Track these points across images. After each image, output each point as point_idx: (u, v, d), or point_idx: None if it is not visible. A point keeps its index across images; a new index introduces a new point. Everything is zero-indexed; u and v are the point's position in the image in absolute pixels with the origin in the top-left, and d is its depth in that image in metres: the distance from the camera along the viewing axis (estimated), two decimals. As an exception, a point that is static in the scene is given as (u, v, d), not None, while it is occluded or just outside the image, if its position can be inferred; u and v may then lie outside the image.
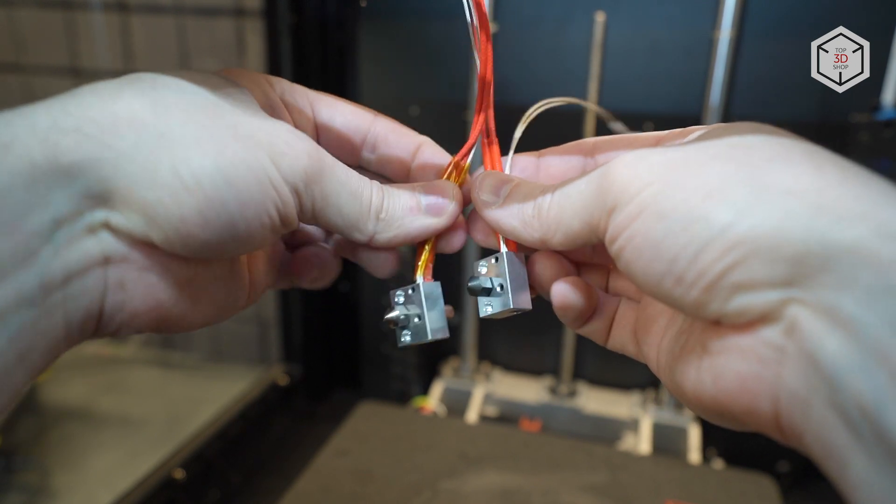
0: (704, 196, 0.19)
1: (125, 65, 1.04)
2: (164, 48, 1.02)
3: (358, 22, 0.86)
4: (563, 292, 0.26)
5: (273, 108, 0.26)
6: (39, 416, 0.96)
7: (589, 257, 0.28)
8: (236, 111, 0.23)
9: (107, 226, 0.21)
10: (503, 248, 0.27)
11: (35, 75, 1.09)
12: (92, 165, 0.20)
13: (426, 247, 0.28)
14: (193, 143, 0.21)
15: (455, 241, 0.28)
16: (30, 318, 0.19)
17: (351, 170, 0.25)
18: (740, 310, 0.18)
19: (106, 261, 0.21)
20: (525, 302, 0.27)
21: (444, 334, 0.28)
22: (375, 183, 0.26)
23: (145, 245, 0.22)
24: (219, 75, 0.25)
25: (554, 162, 0.28)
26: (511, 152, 0.29)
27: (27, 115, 0.19)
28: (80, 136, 0.20)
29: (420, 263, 0.28)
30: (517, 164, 0.28)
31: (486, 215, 0.26)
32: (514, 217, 0.25)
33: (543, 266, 0.27)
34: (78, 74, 1.07)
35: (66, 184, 0.19)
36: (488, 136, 0.28)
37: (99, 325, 0.22)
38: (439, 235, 0.28)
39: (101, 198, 0.20)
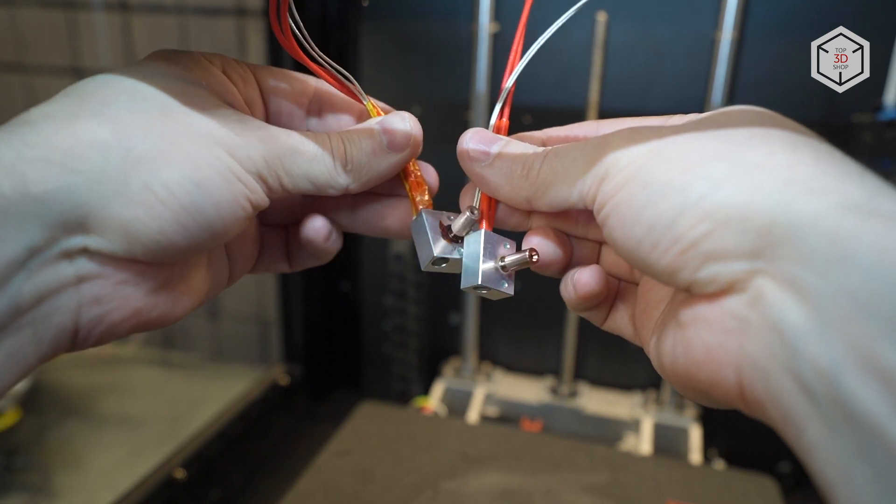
0: (685, 168, 0.20)
1: (126, 65, 1.04)
2: (165, 48, 1.02)
3: (359, 22, 0.86)
4: (587, 281, 0.26)
5: (220, 86, 0.26)
6: (40, 416, 0.96)
7: (583, 232, 0.28)
8: (187, 110, 0.23)
9: (85, 251, 0.21)
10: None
11: (37, 75, 1.09)
12: (63, 192, 0.20)
13: (406, 183, 0.28)
14: (158, 155, 0.21)
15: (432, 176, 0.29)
16: None
17: (306, 134, 0.26)
18: (709, 279, 0.19)
19: (79, 280, 0.21)
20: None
21: (429, 258, 0.27)
22: (333, 135, 0.26)
23: (120, 260, 0.22)
24: (160, 63, 0.25)
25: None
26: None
27: None
28: (45, 164, 0.20)
29: (410, 199, 0.28)
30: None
31: (473, 171, 0.27)
32: (501, 175, 0.26)
33: (544, 244, 0.27)
34: (79, 74, 1.07)
35: (38, 213, 0.19)
36: (501, 117, 0.29)
37: (76, 339, 0.22)
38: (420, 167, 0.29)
39: (77, 223, 0.20)
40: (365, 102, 0.29)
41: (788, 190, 0.18)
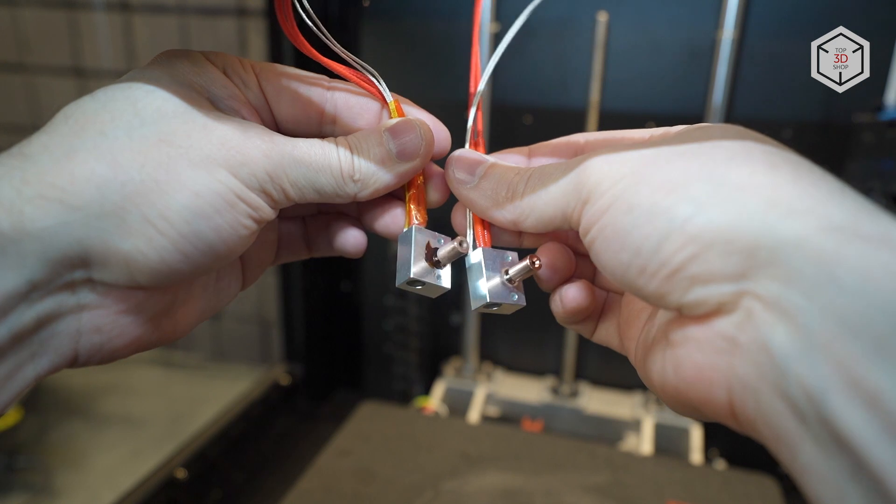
0: (669, 191, 0.20)
1: (128, 65, 1.04)
2: (166, 48, 1.02)
3: (360, 22, 0.86)
4: (574, 296, 0.26)
5: (223, 89, 0.25)
6: (42, 416, 0.97)
7: (573, 245, 0.28)
8: (187, 130, 0.22)
9: (88, 282, 0.21)
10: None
11: (38, 75, 1.09)
12: (62, 229, 0.20)
13: (407, 193, 0.28)
14: (155, 187, 0.21)
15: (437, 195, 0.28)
16: None
17: (312, 142, 0.25)
18: (697, 301, 0.19)
19: (81, 308, 0.21)
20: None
21: (404, 279, 0.26)
22: (341, 143, 0.26)
23: (123, 289, 0.22)
24: (162, 73, 0.24)
25: (544, 162, 0.28)
26: (466, 143, 0.29)
27: None
28: (44, 202, 0.20)
29: (406, 210, 0.28)
30: (507, 160, 0.28)
31: (460, 193, 0.27)
32: (487, 198, 0.26)
33: (554, 258, 0.27)
34: (81, 74, 1.07)
35: (38, 250, 0.20)
36: (476, 136, 0.29)
37: (75, 363, 0.22)
38: (425, 183, 0.28)
39: (78, 259, 0.20)
40: (389, 101, 0.28)
41: (771, 212, 0.18)
